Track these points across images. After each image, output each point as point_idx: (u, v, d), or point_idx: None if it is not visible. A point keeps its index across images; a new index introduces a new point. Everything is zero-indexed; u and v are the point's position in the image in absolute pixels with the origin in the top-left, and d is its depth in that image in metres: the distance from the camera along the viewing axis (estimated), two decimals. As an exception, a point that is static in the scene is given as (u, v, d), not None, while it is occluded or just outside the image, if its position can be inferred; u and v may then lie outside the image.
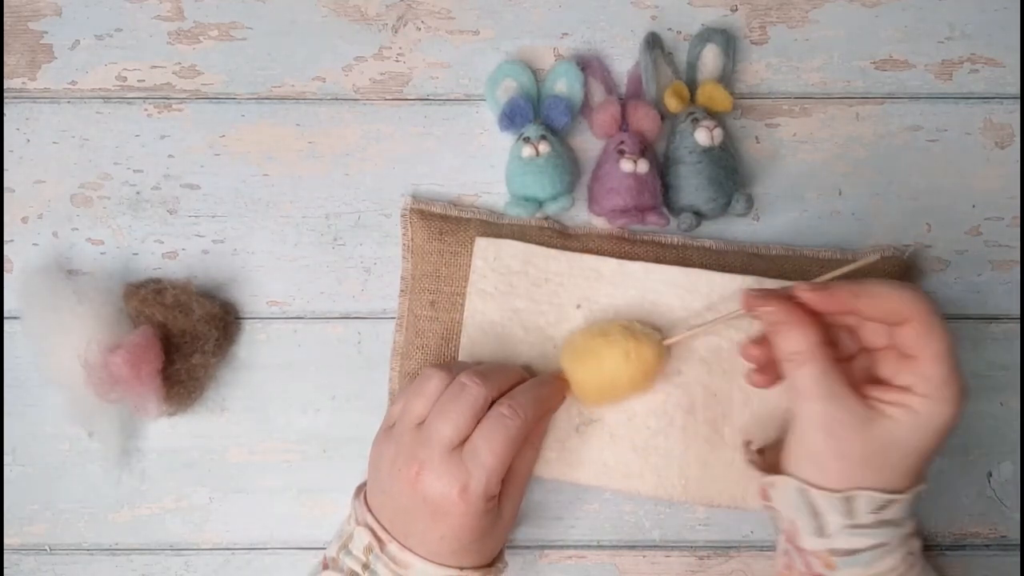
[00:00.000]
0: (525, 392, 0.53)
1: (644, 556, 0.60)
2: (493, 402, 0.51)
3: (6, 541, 0.59)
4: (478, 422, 0.50)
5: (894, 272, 0.58)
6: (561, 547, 0.60)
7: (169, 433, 0.59)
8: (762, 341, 0.53)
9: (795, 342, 0.49)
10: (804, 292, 0.50)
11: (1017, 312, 0.60)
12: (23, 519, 0.59)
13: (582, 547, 0.60)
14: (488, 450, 0.50)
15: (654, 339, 0.54)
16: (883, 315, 0.49)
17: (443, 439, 0.50)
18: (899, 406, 0.48)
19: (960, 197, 0.60)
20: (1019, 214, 0.60)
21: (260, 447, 0.60)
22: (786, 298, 0.50)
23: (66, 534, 0.59)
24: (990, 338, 0.60)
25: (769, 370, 0.53)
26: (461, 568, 0.51)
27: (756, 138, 0.61)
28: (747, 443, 0.55)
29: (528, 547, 0.60)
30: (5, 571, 0.59)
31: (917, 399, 0.48)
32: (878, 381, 0.50)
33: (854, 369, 0.52)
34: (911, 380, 0.48)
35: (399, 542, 0.51)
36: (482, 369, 0.53)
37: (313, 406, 0.60)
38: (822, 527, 0.49)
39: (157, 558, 0.60)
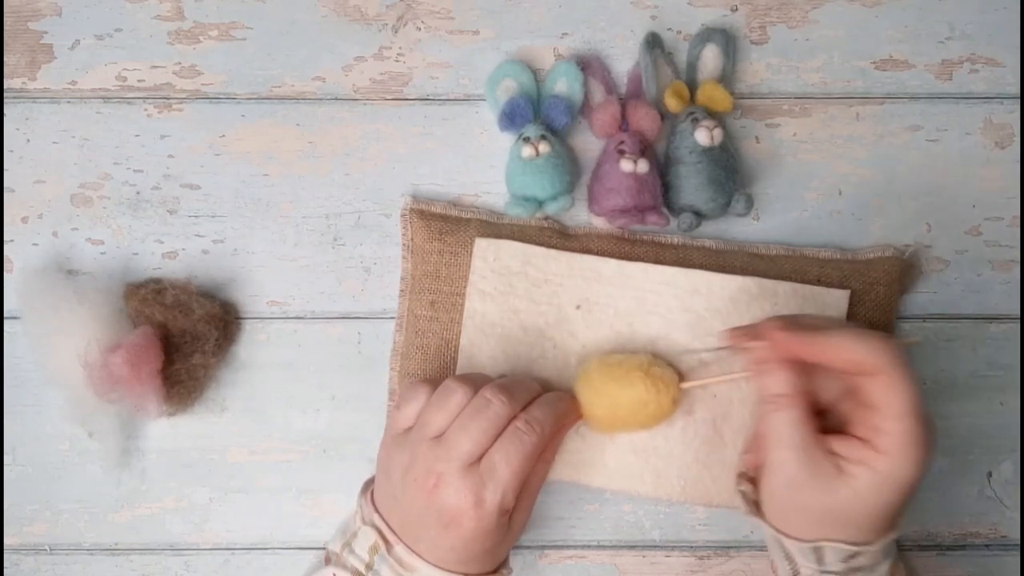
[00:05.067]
0: (542, 408, 0.52)
1: (644, 556, 0.60)
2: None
3: (6, 541, 0.59)
4: (496, 436, 0.50)
5: (894, 272, 0.58)
6: (561, 547, 0.60)
7: (169, 433, 0.59)
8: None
9: (780, 384, 0.48)
10: (775, 332, 0.49)
11: (1017, 312, 0.60)
12: (23, 519, 0.59)
13: (582, 547, 0.60)
14: (506, 466, 0.49)
15: (672, 383, 0.54)
16: (849, 366, 0.48)
17: (463, 454, 0.49)
18: (860, 464, 0.47)
19: (960, 197, 0.60)
20: (1019, 214, 0.60)
21: (260, 447, 0.60)
22: (770, 336, 0.49)
23: (66, 534, 0.59)
24: (990, 338, 0.60)
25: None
26: (467, 574, 0.51)
27: (756, 138, 0.61)
28: (740, 475, 0.54)
29: (528, 547, 0.60)
30: (5, 571, 0.59)
31: (878, 457, 0.46)
32: (843, 429, 0.49)
33: (835, 413, 0.50)
34: (871, 434, 0.47)
35: (407, 545, 0.51)
36: (505, 384, 0.52)
37: (313, 406, 0.60)
38: (796, 571, 0.50)
39: (157, 558, 0.60)
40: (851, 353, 0.47)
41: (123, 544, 0.60)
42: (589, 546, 0.60)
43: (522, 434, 0.50)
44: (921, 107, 0.61)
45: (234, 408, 0.60)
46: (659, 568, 0.60)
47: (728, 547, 0.60)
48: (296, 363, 0.60)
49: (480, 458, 0.50)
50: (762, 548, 0.59)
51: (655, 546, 0.60)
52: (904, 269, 0.59)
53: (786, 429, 0.48)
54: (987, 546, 0.60)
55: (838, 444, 0.48)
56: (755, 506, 0.52)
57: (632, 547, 0.60)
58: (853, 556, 0.49)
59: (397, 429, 0.53)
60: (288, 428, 0.60)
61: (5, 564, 0.59)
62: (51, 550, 0.60)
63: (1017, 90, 0.61)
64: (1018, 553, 0.60)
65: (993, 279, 0.60)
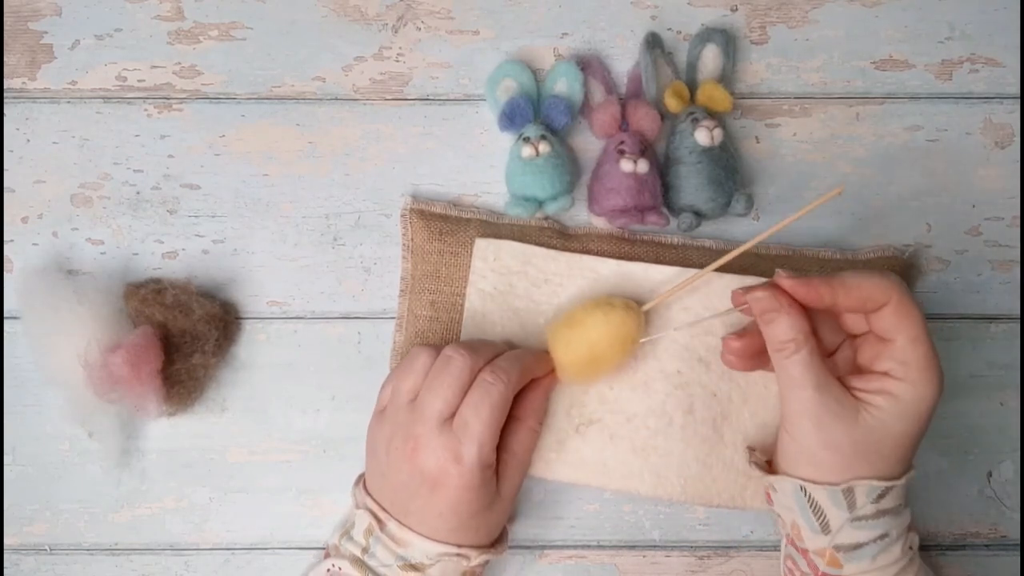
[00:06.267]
0: (508, 359, 0.53)
1: (644, 556, 0.60)
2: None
3: (6, 541, 0.59)
4: (464, 391, 0.51)
5: (894, 272, 0.58)
6: (561, 547, 0.60)
7: (169, 433, 0.60)
8: (744, 333, 0.53)
9: (786, 330, 0.49)
10: (784, 280, 0.50)
11: (1017, 312, 0.60)
12: (23, 519, 0.59)
13: (582, 547, 0.60)
14: (476, 418, 0.50)
15: (632, 305, 0.54)
16: (859, 304, 0.49)
17: (434, 413, 0.51)
18: (882, 394, 0.49)
19: (960, 197, 0.60)
20: (1019, 214, 0.60)
21: (260, 447, 0.60)
22: (774, 287, 0.50)
23: (66, 534, 0.59)
24: (990, 338, 0.60)
25: (747, 358, 0.53)
26: (460, 546, 0.51)
27: (756, 138, 0.61)
28: (750, 449, 0.56)
29: (528, 547, 0.60)
30: (5, 571, 0.59)
31: (898, 384, 0.48)
32: (859, 370, 0.51)
33: (836, 362, 0.52)
34: (890, 365, 0.49)
35: (398, 521, 0.52)
36: (467, 341, 0.54)
37: (313, 406, 0.60)
38: (825, 523, 0.50)
39: (157, 558, 0.60)
40: (861, 290, 0.49)
41: (123, 544, 0.60)
42: (589, 546, 0.60)
43: (488, 384, 0.51)
44: (921, 107, 0.61)
45: (234, 408, 0.60)
46: (659, 568, 0.60)
47: (728, 547, 0.60)
48: (296, 363, 0.60)
49: (454, 416, 0.51)
50: (762, 548, 0.59)
51: (655, 546, 0.60)
52: (904, 269, 0.59)
53: (800, 370, 0.49)
54: (987, 546, 0.60)
55: (858, 381, 0.49)
56: (769, 466, 0.53)
57: (632, 547, 0.60)
58: (883, 495, 0.49)
59: (379, 408, 0.54)
60: (288, 428, 0.60)
61: (5, 564, 0.59)
62: (51, 550, 0.60)
63: (1017, 90, 0.61)
64: (1018, 553, 0.60)
65: (993, 279, 0.60)
